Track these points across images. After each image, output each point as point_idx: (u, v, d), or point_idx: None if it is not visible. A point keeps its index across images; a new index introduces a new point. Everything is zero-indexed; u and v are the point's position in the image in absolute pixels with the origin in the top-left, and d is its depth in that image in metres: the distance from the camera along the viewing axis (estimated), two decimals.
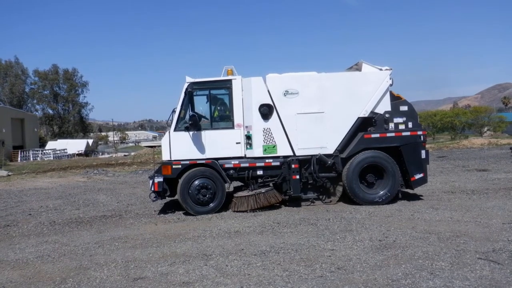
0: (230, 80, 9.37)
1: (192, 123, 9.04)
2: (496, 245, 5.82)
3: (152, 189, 9.23)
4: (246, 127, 9.30)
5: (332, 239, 6.54)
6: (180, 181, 9.10)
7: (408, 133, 9.27)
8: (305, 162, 9.31)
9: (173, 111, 9.41)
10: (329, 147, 9.31)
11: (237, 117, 9.29)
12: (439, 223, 7.24)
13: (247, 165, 9.23)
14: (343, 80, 9.51)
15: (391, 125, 9.33)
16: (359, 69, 9.97)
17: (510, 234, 6.33)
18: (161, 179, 9.14)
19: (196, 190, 9.05)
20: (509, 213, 7.77)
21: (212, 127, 9.38)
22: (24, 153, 43.89)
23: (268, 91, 9.30)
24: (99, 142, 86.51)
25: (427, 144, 10.56)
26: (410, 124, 9.37)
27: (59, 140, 59.75)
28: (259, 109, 9.23)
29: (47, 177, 20.67)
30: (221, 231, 7.49)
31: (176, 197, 9.37)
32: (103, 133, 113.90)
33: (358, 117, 9.33)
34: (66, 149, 51.22)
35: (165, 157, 9.30)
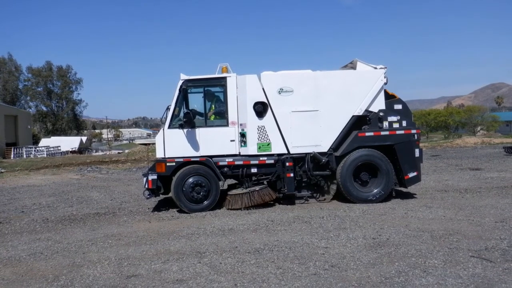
0: (224, 78, 9.35)
1: (186, 121, 9.02)
2: (489, 243, 5.86)
3: (146, 186, 9.19)
4: (241, 124, 9.28)
5: (326, 237, 6.55)
6: (174, 178, 9.07)
7: (402, 132, 9.30)
8: (299, 160, 9.32)
9: (167, 109, 9.38)
10: (324, 145, 9.32)
11: (232, 115, 9.28)
12: (432, 222, 7.27)
13: (241, 163, 9.22)
14: (338, 78, 9.52)
15: (385, 124, 9.36)
16: (354, 68, 9.99)
17: (503, 233, 6.38)
18: (155, 177, 9.11)
19: (190, 188, 9.02)
20: (502, 212, 7.82)
21: (206, 125, 9.35)
22: (17, 150, 43.58)
23: (263, 89, 9.29)
24: (93, 140, 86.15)
25: (421, 143, 10.61)
26: (404, 123, 9.40)
27: (52, 137, 59.43)
28: (254, 106, 9.21)
29: (40, 174, 20.54)
30: (215, 228, 7.47)
31: (170, 194, 9.34)
32: (97, 131, 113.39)
33: (353, 116, 9.35)
34: (59, 146, 50.96)
35: (159, 154, 9.27)
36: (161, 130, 9.36)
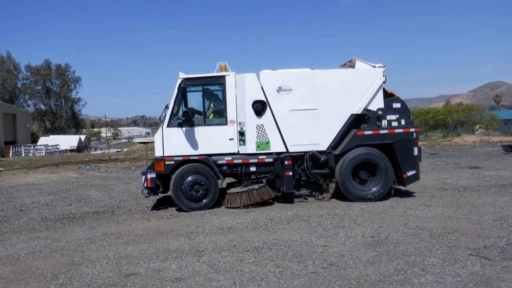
0: (223, 76, 9.34)
1: (185, 119, 9.02)
2: (487, 242, 5.87)
3: (145, 185, 9.19)
4: (240, 123, 9.28)
5: (325, 236, 6.55)
6: (173, 177, 9.07)
7: (401, 130, 9.31)
8: (298, 158, 9.32)
9: (166, 107, 9.38)
10: (322, 143, 9.32)
11: (231, 113, 9.27)
12: (431, 220, 7.28)
13: (240, 161, 9.22)
14: (337, 77, 9.52)
15: (384, 122, 9.37)
16: (352, 66, 9.99)
17: (501, 231, 6.39)
18: (154, 175, 9.11)
19: (189, 186, 9.02)
20: (500, 210, 7.83)
21: (205, 123, 9.34)
22: (16, 148, 43.49)
23: (262, 87, 9.28)
24: (92, 138, 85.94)
25: (420, 142, 10.63)
26: (403, 121, 9.42)
27: (51, 136, 59.24)
28: (253, 105, 9.21)
29: (39, 173, 20.52)
30: (214, 227, 7.47)
31: (169, 193, 9.34)
32: (95, 129, 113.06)
33: (351, 114, 9.35)
34: (58, 145, 50.81)
35: (158, 153, 9.27)
36: (160, 129, 9.36)
